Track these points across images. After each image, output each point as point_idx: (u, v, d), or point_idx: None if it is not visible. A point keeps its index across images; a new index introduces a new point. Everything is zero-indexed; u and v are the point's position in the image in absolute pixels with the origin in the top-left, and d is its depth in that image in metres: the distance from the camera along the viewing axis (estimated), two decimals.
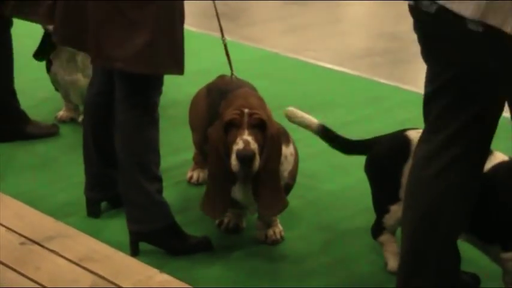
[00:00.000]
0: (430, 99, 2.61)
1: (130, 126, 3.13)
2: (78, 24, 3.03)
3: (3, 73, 4.14)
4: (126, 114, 3.12)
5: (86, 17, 2.99)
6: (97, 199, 3.50)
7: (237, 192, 3.17)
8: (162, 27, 2.93)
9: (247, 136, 3.02)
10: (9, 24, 4.09)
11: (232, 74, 3.35)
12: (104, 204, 3.54)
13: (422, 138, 2.67)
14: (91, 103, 3.41)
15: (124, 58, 2.93)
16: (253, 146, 3.01)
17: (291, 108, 3.35)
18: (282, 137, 3.20)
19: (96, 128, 3.38)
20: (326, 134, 3.32)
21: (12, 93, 4.21)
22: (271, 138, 3.09)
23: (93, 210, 3.52)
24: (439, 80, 2.55)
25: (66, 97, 4.46)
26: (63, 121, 4.46)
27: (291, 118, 3.34)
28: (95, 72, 3.44)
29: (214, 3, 3.27)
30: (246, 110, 3.06)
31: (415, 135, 3.06)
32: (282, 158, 3.19)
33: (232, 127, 3.06)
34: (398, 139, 3.10)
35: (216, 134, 3.11)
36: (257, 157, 3.02)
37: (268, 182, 3.11)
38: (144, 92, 3.11)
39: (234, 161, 3.02)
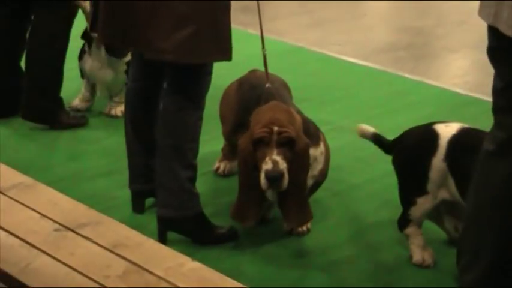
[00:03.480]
0: None
1: (172, 111, 3.16)
2: (125, 21, 3.07)
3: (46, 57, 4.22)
4: (169, 99, 3.17)
5: (133, 13, 3.04)
6: (140, 192, 3.45)
7: (269, 195, 3.21)
8: (206, 18, 3.01)
9: (276, 156, 3.04)
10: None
11: (267, 83, 3.37)
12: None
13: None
14: (128, 90, 3.45)
15: (172, 50, 3.01)
16: (282, 166, 3.04)
17: (363, 127, 3.34)
18: (312, 138, 3.22)
19: (134, 115, 3.39)
20: (378, 140, 3.31)
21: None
22: (299, 154, 3.11)
23: (137, 205, 3.47)
24: None
25: (86, 87, 4.51)
26: (72, 110, 4.47)
27: (363, 135, 3.34)
28: (132, 61, 3.52)
29: (258, 3, 3.34)
30: (276, 128, 3.06)
31: (443, 128, 3.07)
32: (311, 160, 3.22)
33: (261, 144, 3.08)
34: (427, 132, 3.11)
35: (245, 148, 3.14)
36: (286, 176, 3.05)
37: (294, 195, 3.14)
38: (190, 80, 3.16)
39: (263, 179, 3.05)
